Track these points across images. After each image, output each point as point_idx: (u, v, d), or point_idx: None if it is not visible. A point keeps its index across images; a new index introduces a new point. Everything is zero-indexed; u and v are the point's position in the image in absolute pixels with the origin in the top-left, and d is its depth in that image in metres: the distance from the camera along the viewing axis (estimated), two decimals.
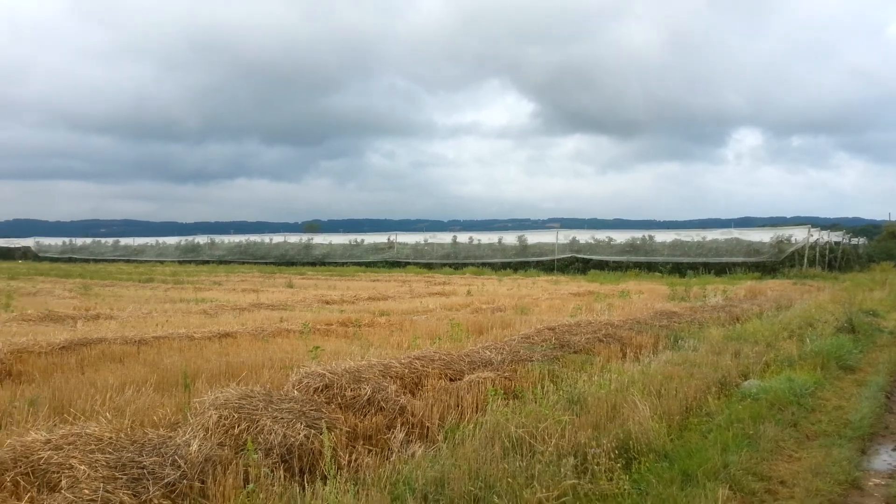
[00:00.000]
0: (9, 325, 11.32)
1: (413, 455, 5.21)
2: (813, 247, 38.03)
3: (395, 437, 5.63)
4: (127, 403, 5.94)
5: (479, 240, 49.60)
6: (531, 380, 7.60)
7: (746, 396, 7.55)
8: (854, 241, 50.93)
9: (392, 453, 5.30)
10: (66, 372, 7.67)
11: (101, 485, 3.93)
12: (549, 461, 4.81)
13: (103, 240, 75.92)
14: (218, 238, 64.68)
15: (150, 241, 69.91)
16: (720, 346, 10.10)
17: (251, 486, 4.30)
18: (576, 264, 41.50)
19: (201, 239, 65.42)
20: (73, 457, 4.18)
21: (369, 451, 5.34)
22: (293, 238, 59.76)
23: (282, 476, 4.54)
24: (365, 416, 5.93)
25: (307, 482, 4.55)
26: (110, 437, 4.55)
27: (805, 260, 36.58)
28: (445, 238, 51.49)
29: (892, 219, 69.39)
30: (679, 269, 37.04)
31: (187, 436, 4.79)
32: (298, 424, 5.22)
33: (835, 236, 44.51)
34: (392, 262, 48.60)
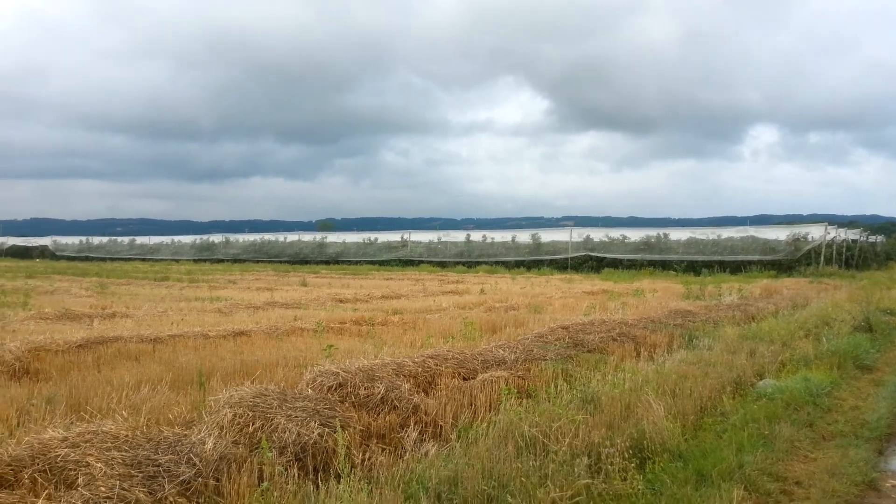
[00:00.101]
0: (27, 324, 11.44)
1: (426, 454, 5.22)
2: (830, 245, 37.69)
3: (408, 436, 5.64)
4: (143, 401, 5.98)
5: (492, 238, 49.54)
6: (545, 379, 7.59)
7: (762, 396, 7.50)
8: (872, 238, 50.45)
9: (405, 452, 5.31)
10: (83, 370, 7.74)
11: (118, 482, 3.97)
12: (563, 461, 4.80)
13: (119, 239, 76.49)
14: (233, 237, 65.00)
15: (166, 239, 70.37)
16: (735, 346, 10.03)
17: (265, 484, 4.32)
18: (589, 263, 41.35)
19: (216, 238, 65.77)
20: (89, 454, 4.22)
21: (383, 449, 5.35)
22: (307, 237, 59.94)
23: (296, 474, 4.56)
24: (378, 414, 5.94)
25: (321, 481, 4.57)
26: (126, 435, 4.59)
27: (822, 258, 36.26)
28: (459, 236, 51.46)
29: None
30: (694, 268, 36.82)
31: (202, 434, 4.82)
32: (312, 423, 5.24)
33: (852, 234, 44.10)
34: (405, 261, 48.64)
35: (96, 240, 75.76)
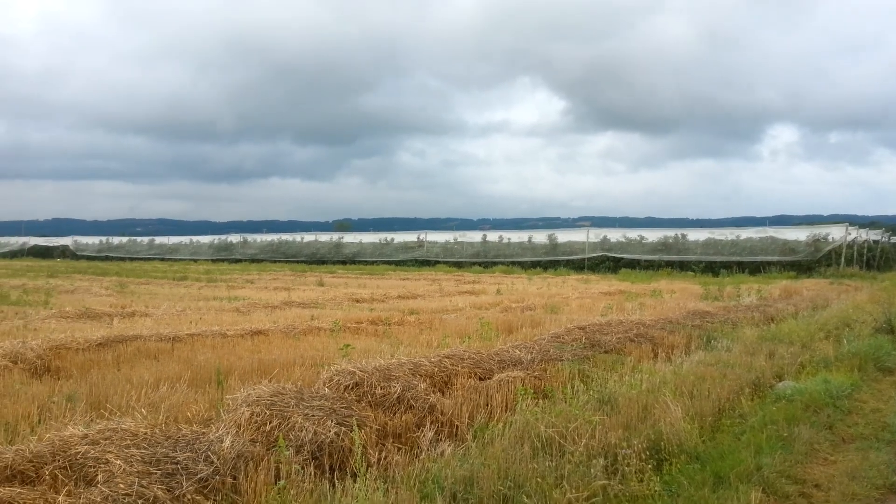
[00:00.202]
0: (48, 322, 11.58)
1: (442, 454, 5.22)
2: (850, 245, 37.26)
3: (424, 436, 5.65)
4: (161, 399, 6.04)
5: (508, 238, 49.46)
6: (561, 379, 7.57)
7: (781, 398, 7.43)
8: (894, 239, 49.77)
9: (421, 452, 5.32)
10: (103, 368, 7.82)
11: (137, 479, 4.00)
12: (579, 461, 4.79)
13: (139, 238, 77.20)
14: (250, 237, 65.39)
15: (185, 239, 70.90)
16: (754, 347, 9.95)
17: (282, 482, 4.34)
18: (606, 263, 41.17)
19: (234, 238, 66.19)
20: (109, 451, 4.26)
21: (399, 449, 5.36)
22: (324, 237, 60.15)
23: (312, 473, 4.59)
24: (395, 414, 5.95)
25: (337, 479, 4.58)
26: (145, 433, 4.63)
27: (842, 259, 35.86)
28: (475, 237, 51.43)
29: None
30: (712, 269, 36.56)
31: (220, 432, 4.85)
32: (329, 422, 5.26)
33: (873, 234, 43.55)
34: (422, 261, 48.67)
35: (116, 240, 76.51)
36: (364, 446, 5.00)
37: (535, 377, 7.61)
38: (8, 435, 5.11)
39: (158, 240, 73.66)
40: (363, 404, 5.99)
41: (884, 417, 7.09)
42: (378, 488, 4.24)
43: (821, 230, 38.22)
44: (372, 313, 13.69)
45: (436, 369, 7.21)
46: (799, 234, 38.55)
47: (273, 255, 58.21)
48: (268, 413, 5.21)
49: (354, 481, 4.38)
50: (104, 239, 77.31)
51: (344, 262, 51.13)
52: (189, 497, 4.06)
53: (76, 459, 4.23)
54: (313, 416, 5.31)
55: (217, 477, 4.30)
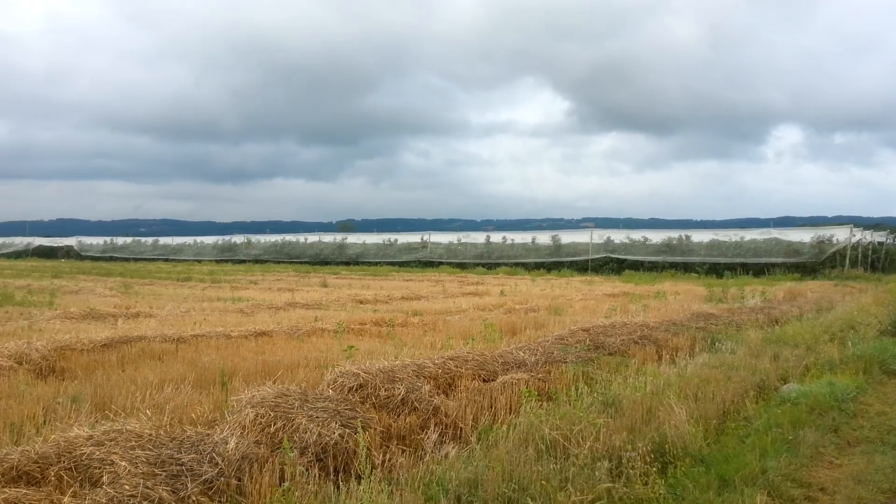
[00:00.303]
0: (52, 323, 11.61)
1: (446, 456, 5.22)
2: (855, 247, 37.17)
3: (428, 438, 5.65)
4: (166, 401, 6.04)
5: (512, 239, 49.42)
6: (565, 381, 7.56)
7: (785, 401, 7.41)
8: None
9: (425, 454, 5.32)
10: (108, 369, 7.84)
11: (141, 481, 4.01)
12: (584, 464, 4.78)
13: (143, 239, 77.34)
14: (254, 237, 65.46)
15: (189, 240, 71.01)
16: (758, 349, 9.93)
17: (287, 484, 4.34)
18: (610, 264, 41.11)
19: (238, 238, 66.28)
20: (114, 453, 4.27)
21: (403, 451, 5.36)
22: (328, 237, 60.21)
23: (316, 475, 4.58)
24: (399, 415, 5.95)
25: (341, 481, 4.59)
26: (150, 434, 4.64)
27: (847, 261, 35.77)
28: (479, 238, 51.39)
29: None
30: (716, 270, 36.48)
31: (224, 433, 4.86)
32: (333, 423, 5.26)
33: (878, 236, 43.44)
34: (425, 262, 48.67)
35: (120, 240, 76.65)
36: (368, 448, 5.00)
37: (539, 379, 7.60)
38: (13, 436, 5.12)
39: (162, 240, 73.78)
40: (367, 406, 5.99)
41: (889, 421, 7.07)
42: (382, 490, 4.24)
43: (825, 232, 38.12)
44: (375, 314, 13.69)
45: (440, 371, 7.20)
46: (803, 236, 38.46)
47: (277, 256, 58.26)
48: (272, 415, 5.21)
49: (359, 483, 4.38)
50: (108, 239, 77.46)
51: (347, 263, 51.15)
52: (194, 498, 4.07)
53: (81, 461, 4.24)
54: (317, 417, 5.31)
55: (222, 478, 4.30)
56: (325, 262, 52.26)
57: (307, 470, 4.59)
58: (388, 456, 5.18)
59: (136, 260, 63.00)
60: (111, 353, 8.67)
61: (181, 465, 4.31)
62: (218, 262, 57.44)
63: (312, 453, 4.92)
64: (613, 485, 4.62)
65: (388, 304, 17.20)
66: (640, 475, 4.80)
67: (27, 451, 4.28)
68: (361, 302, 17.54)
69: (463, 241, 51.23)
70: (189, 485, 4.13)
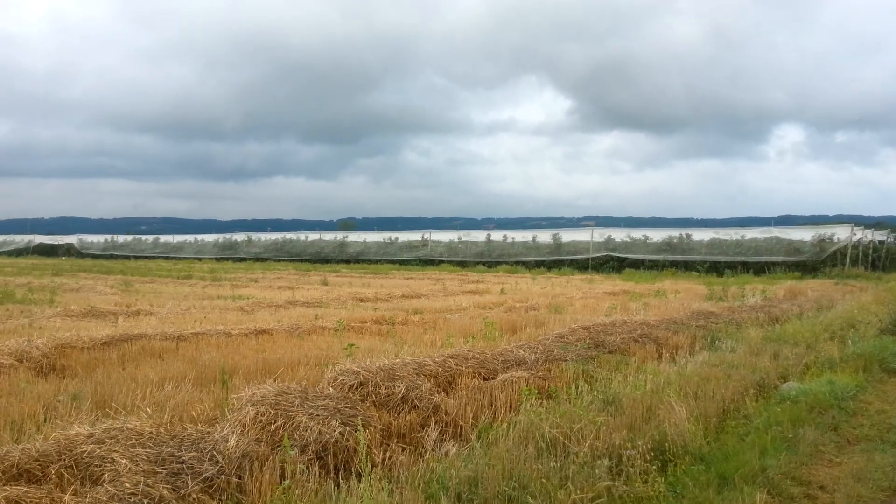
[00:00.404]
0: (53, 321, 11.62)
1: (447, 454, 5.22)
2: (856, 246, 37.16)
3: (428, 436, 5.65)
4: (166, 398, 6.05)
5: (513, 238, 49.43)
6: (565, 380, 7.56)
7: (785, 399, 7.42)
8: None
9: (426, 452, 5.32)
10: (108, 367, 7.84)
11: (142, 479, 4.02)
12: (584, 462, 4.79)
13: (144, 237, 77.36)
14: (255, 235, 65.49)
15: (189, 238, 71.02)
16: (759, 348, 9.93)
17: (287, 482, 4.35)
18: (611, 263, 41.12)
19: (239, 236, 66.31)
20: (114, 451, 4.28)
21: (403, 449, 5.36)
22: (328, 236, 60.23)
23: (317, 473, 4.59)
24: (399, 414, 5.96)
25: (342, 479, 4.59)
26: (150, 432, 4.65)
27: (847, 259, 35.76)
28: (479, 236, 51.42)
29: None
30: (717, 269, 36.50)
31: (225, 431, 4.87)
32: (333, 421, 5.27)
33: (879, 235, 43.42)
34: (426, 260, 48.69)
35: (121, 238, 76.67)
36: (369, 446, 5.01)
37: (540, 377, 7.61)
38: (14, 434, 5.13)
39: (163, 238, 73.79)
40: (367, 404, 6.00)
41: (889, 419, 7.07)
42: (383, 488, 4.25)
43: (826, 230, 38.12)
44: (376, 313, 13.69)
45: (440, 369, 7.21)
46: (804, 235, 38.46)
47: (277, 254, 58.28)
48: (272, 412, 5.21)
49: (359, 481, 4.39)
50: (109, 237, 77.48)
51: (348, 261, 51.17)
52: (194, 496, 4.07)
53: (82, 458, 4.24)
54: (318, 415, 5.32)
55: (222, 476, 4.31)
56: (325, 261, 52.29)
57: (307, 468, 4.59)
58: (388, 454, 5.18)
59: (136, 258, 63.02)
60: (112, 350, 8.68)
61: (182, 462, 4.32)
62: (218, 260, 57.45)
63: (313, 451, 4.92)
64: (613, 483, 4.63)
65: (389, 303, 17.21)
66: (640, 473, 4.81)
67: (28, 449, 4.29)
68: (362, 300, 17.55)
69: (463, 239, 51.24)
70: (189, 483, 4.14)
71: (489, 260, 46.27)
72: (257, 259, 56.75)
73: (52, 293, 17.98)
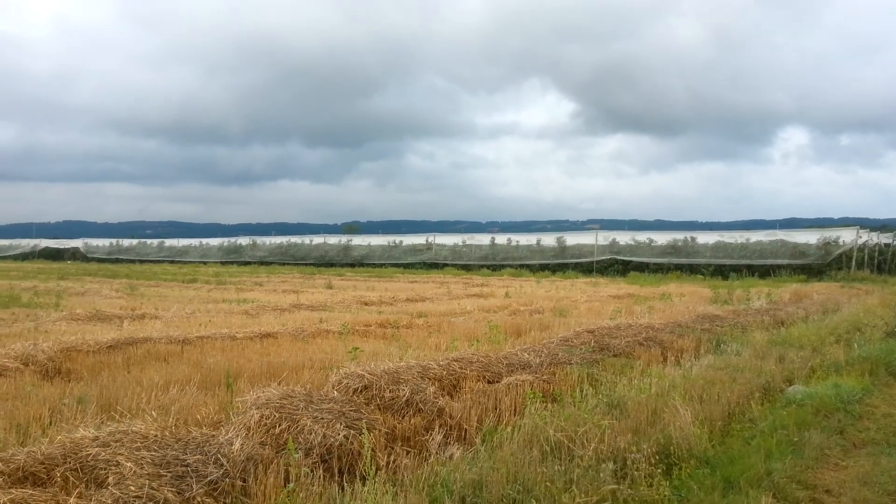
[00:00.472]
0: (58, 324, 11.65)
1: (451, 457, 5.22)
2: (861, 249, 37.04)
3: (433, 439, 5.65)
4: (171, 402, 6.07)
5: (517, 241, 49.43)
6: (570, 383, 7.55)
7: (791, 402, 7.39)
8: None
9: (430, 455, 5.32)
10: (113, 370, 7.87)
11: (147, 482, 4.02)
12: (588, 466, 4.78)
13: (149, 241, 77.58)
14: (259, 239, 65.63)
15: (194, 242, 71.20)
16: (764, 351, 9.90)
17: (292, 485, 4.35)
18: (615, 266, 41.10)
19: (243, 240, 66.45)
20: (119, 454, 4.28)
21: (407, 452, 5.36)
22: (333, 239, 60.33)
23: (321, 476, 4.59)
24: (403, 417, 5.96)
25: (346, 482, 4.59)
26: (155, 435, 4.65)
27: (853, 262, 35.65)
28: (484, 239, 51.44)
29: None
30: (722, 272, 36.45)
31: (230, 434, 4.87)
32: (338, 425, 5.27)
33: (885, 238, 43.27)
34: (430, 264, 48.72)
35: (126, 242, 76.89)
36: (373, 449, 5.01)
37: (544, 381, 7.60)
38: (19, 437, 5.15)
39: (168, 242, 73.98)
40: (372, 407, 6.00)
41: (895, 422, 7.04)
42: (387, 492, 4.25)
43: (831, 233, 38.03)
44: (380, 316, 13.70)
45: (444, 372, 7.21)
46: (809, 238, 38.38)
47: (282, 258, 58.38)
48: (277, 416, 5.22)
49: (363, 484, 4.39)
50: (114, 241, 77.71)
51: (352, 265, 51.22)
52: (199, 499, 4.08)
53: (87, 461, 4.25)
54: (322, 419, 5.32)
55: (227, 479, 4.31)
56: (330, 264, 52.35)
57: (312, 471, 4.59)
58: (392, 457, 5.18)
59: (141, 262, 63.19)
60: (117, 354, 8.69)
61: (186, 466, 4.32)
62: (223, 263, 57.57)
63: (317, 454, 4.92)
64: (618, 486, 4.62)
65: (393, 306, 17.21)
66: (644, 477, 4.80)
67: (33, 451, 4.30)
68: (366, 303, 17.56)
69: (468, 242, 51.27)
70: (194, 486, 4.15)
71: (493, 263, 46.27)
72: (262, 263, 56.84)
73: (57, 297, 18.04)
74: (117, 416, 5.41)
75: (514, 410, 6.52)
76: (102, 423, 5.13)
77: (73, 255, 74.08)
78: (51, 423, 5.52)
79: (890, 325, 12.72)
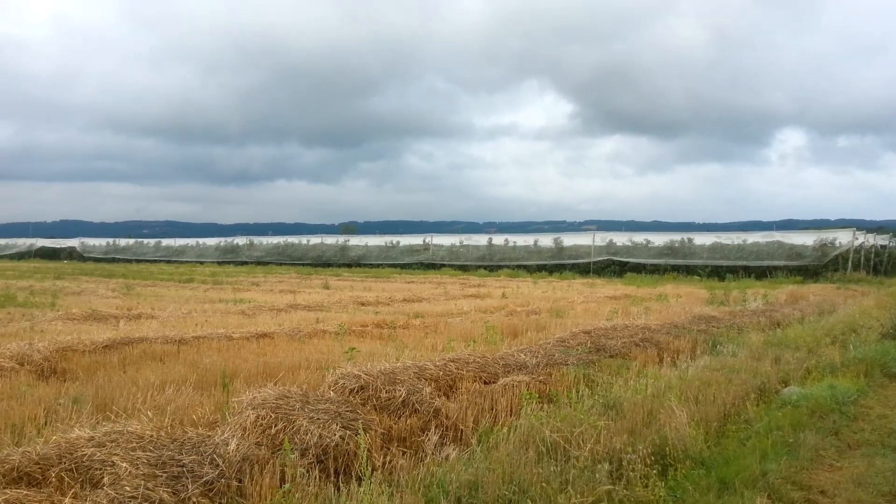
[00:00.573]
0: (54, 324, 11.63)
1: (447, 458, 5.23)
2: (858, 250, 37.12)
3: (429, 440, 5.65)
4: (167, 402, 6.06)
5: (514, 242, 49.46)
6: (566, 384, 7.56)
7: (786, 403, 7.41)
8: None
9: (426, 455, 5.32)
10: (109, 370, 7.85)
11: (142, 482, 4.02)
12: (584, 466, 4.79)
13: (145, 240, 77.46)
14: (256, 239, 65.57)
15: (191, 241, 71.10)
16: (760, 352, 9.92)
17: (287, 485, 4.35)
18: (612, 267, 41.15)
19: (240, 240, 66.39)
20: (115, 454, 4.28)
21: (403, 452, 5.37)
22: (330, 239, 60.29)
23: (317, 476, 4.59)
24: (399, 417, 5.96)
25: (342, 483, 4.59)
26: (151, 436, 4.65)
27: (849, 264, 35.73)
28: (481, 240, 51.46)
29: None
30: (718, 273, 36.51)
31: (226, 435, 4.87)
32: (334, 425, 5.27)
33: (881, 239, 43.37)
34: (427, 264, 48.72)
35: (123, 241, 76.77)
36: (369, 450, 5.01)
37: (540, 381, 7.61)
38: (14, 437, 5.14)
39: (165, 242, 73.88)
40: (368, 408, 6.00)
41: (890, 424, 7.06)
42: (383, 492, 4.25)
43: (828, 235, 38.12)
44: (377, 316, 13.70)
45: (441, 373, 7.21)
46: (806, 239, 38.47)
47: (279, 258, 58.34)
48: (273, 416, 5.22)
49: (359, 485, 4.39)
50: (111, 241, 77.59)
51: (349, 265, 51.19)
52: (195, 500, 4.07)
53: (82, 462, 4.25)
54: (318, 419, 5.32)
55: (222, 480, 4.31)
56: (327, 264, 52.32)
57: (308, 471, 4.59)
58: (388, 458, 5.19)
59: (138, 261, 63.09)
60: (113, 354, 8.68)
61: (182, 466, 4.32)
62: (220, 263, 57.51)
63: (313, 455, 4.92)
64: (614, 487, 4.62)
65: (390, 306, 17.21)
66: (640, 477, 4.80)
67: (28, 452, 4.29)
68: (363, 304, 17.55)
69: (465, 243, 51.28)
70: (190, 486, 4.14)
71: (490, 264, 46.28)
72: (259, 263, 56.79)
73: (53, 296, 18.00)
74: (113, 417, 5.40)
75: (511, 411, 6.52)
76: (98, 423, 5.12)
77: (70, 254, 73.95)
78: (46, 423, 5.52)
79: (885, 327, 12.74)
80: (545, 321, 13.09)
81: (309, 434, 5.08)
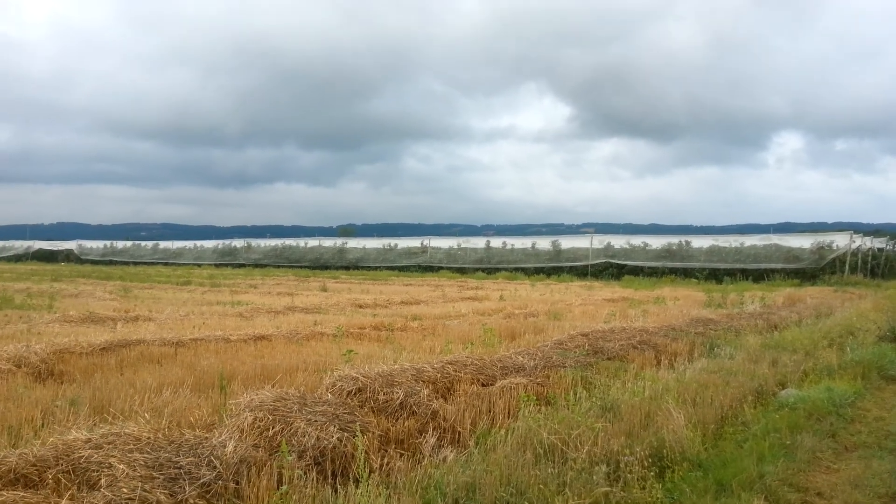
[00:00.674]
0: (52, 326, 11.61)
1: (444, 460, 5.22)
2: (855, 253, 37.21)
3: (426, 442, 5.65)
4: (164, 404, 6.05)
5: (512, 245, 49.53)
6: (564, 386, 7.57)
7: (784, 406, 7.42)
8: None
9: (423, 457, 5.32)
10: (106, 372, 7.84)
11: (140, 484, 4.01)
12: (582, 468, 4.79)
13: (143, 243, 77.46)
14: (254, 242, 65.55)
15: (189, 244, 71.08)
16: (757, 355, 9.93)
17: (285, 487, 4.35)
18: (610, 270, 41.20)
19: (238, 242, 66.36)
20: (112, 456, 4.27)
21: (401, 454, 5.36)
22: (328, 242, 60.31)
23: (314, 478, 4.59)
24: (397, 419, 5.96)
25: (339, 485, 4.59)
26: (148, 437, 4.64)
27: (846, 267, 35.82)
28: (479, 243, 51.52)
29: None
30: (716, 276, 36.58)
31: (223, 437, 4.86)
32: (332, 427, 5.27)
33: (878, 242, 43.46)
34: (425, 267, 48.75)
35: (120, 244, 76.71)
36: (366, 452, 5.01)
37: (538, 384, 7.61)
38: (11, 439, 5.13)
39: (163, 244, 73.85)
40: (366, 410, 6.00)
41: (887, 426, 7.07)
42: (380, 494, 4.25)
43: (825, 238, 38.23)
44: (375, 319, 13.69)
45: (438, 375, 7.21)
46: (803, 242, 38.56)
47: (277, 261, 58.32)
48: (270, 418, 5.21)
49: (357, 487, 4.38)
50: (108, 243, 77.53)
51: (347, 268, 51.20)
52: (192, 502, 4.07)
53: (79, 464, 4.24)
54: (316, 421, 5.32)
55: (220, 482, 4.31)
56: (325, 267, 52.32)
57: (305, 473, 4.59)
58: (386, 460, 5.18)
59: (135, 264, 63.01)
60: (110, 356, 8.67)
61: (179, 468, 4.31)
62: (218, 266, 57.45)
63: (311, 457, 4.92)
64: (611, 489, 4.62)
65: (388, 309, 17.21)
66: (637, 479, 4.80)
67: (25, 454, 4.28)
68: (361, 306, 17.55)
69: (463, 246, 51.32)
70: (187, 488, 4.14)
71: (488, 266, 46.32)
72: (257, 265, 56.77)
73: (50, 299, 17.98)
74: (110, 419, 5.39)
75: (508, 413, 6.52)
76: (95, 425, 5.11)
77: (67, 256, 73.87)
78: (43, 425, 5.51)
79: (882, 330, 12.76)
80: (543, 324, 13.10)
81: (306, 436, 5.07)
